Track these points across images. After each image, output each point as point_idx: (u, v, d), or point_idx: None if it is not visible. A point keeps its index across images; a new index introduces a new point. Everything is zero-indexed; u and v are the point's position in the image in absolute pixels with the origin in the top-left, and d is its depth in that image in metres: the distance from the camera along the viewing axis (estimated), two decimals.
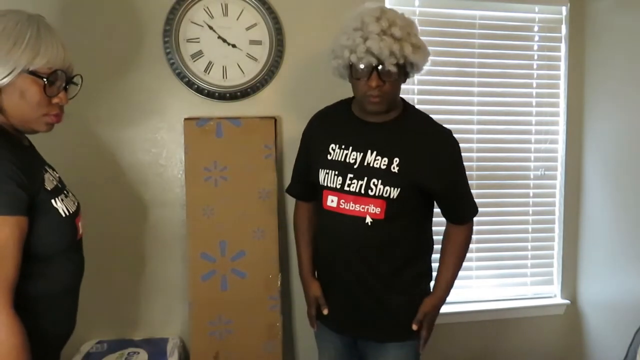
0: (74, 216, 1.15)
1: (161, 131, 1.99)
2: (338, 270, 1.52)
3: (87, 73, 1.90)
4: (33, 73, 1.04)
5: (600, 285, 2.31)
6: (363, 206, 1.43)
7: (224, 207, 1.95)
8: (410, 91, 2.22)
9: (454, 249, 1.59)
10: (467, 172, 2.34)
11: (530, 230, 2.40)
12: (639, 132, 2.08)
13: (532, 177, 2.38)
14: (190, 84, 1.96)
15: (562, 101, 2.37)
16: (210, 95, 1.98)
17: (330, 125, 1.57)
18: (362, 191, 1.42)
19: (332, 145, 1.49)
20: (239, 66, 1.99)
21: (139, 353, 1.86)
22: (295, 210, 1.74)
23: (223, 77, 1.99)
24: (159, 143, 2.00)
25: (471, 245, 2.31)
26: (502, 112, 2.33)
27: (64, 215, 1.10)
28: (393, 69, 1.34)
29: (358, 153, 1.45)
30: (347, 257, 1.48)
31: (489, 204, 2.35)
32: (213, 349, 1.94)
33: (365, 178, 1.43)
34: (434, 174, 1.45)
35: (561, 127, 2.38)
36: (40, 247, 1.05)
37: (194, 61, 1.96)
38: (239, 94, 2.01)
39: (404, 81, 1.46)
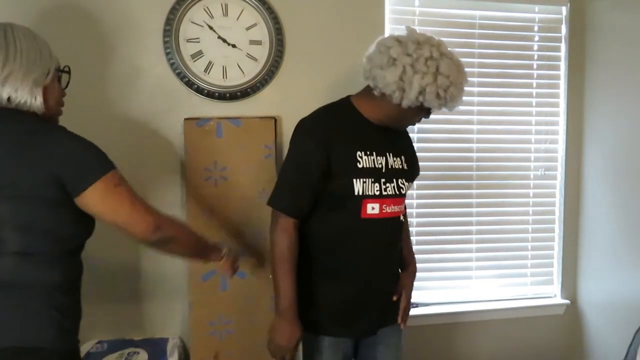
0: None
1: (161, 131, 1.99)
2: (371, 273, 1.51)
3: (87, 73, 1.92)
4: (57, 71, 1.24)
5: (600, 285, 2.31)
6: (399, 206, 1.54)
7: (224, 207, 1.95)
8: None
9: (408, 227, 1.79)
10: (467, 172, 2.37)
11: (530, 230, 2.40)
12: (639, 132, 2.08)
13: (532, 177, 2.38)
14: (190, 84, 1.96)
15: (562, 101, 2.37)
16: (210, 95, 1.98)
17: (346, 132, 1.48)
18: (397, 192, 1.51)
19: (359, 153, 1.46)
20: (239, 66, 1.99)
21: (139, 353, 1.86)
22: (282, 234, 1.45)
23: (223, 77, 1.99)
24: (159, 143, 1.99)
25: (471, 245, 2.34)
26: (502, 112, 2.33)
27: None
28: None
29: (381, 157, 1.49)
30: (383, 256, 1.54)
31: (489, 204, 2.35)
32: (213, 349, 1.94)
33: (394, 180, 1.50)
34: (415, 161, 1.66)
35: (561, 127, 2.38)
36: (91, 229, 1.25)
37: (194, 61, 1.96)
38: (239, 94, 2.01)
39: None
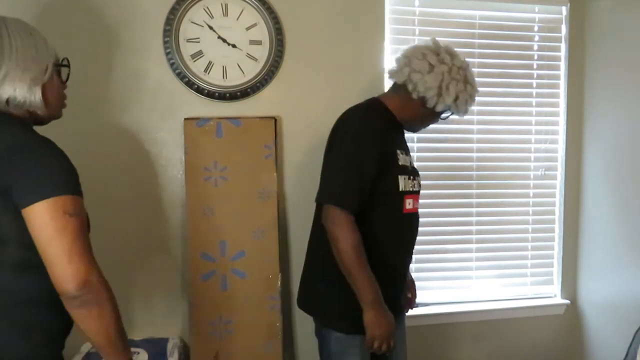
0: (88, 216, 1.21)
1: (161, 131, 1.99)
2: (404, 267, 1.66)
3: (87, 73, 1.92)
4: (56, 66, 1.18)
5: (600, 285, 2.31)
6: (417, 202, 1.63)
7: (224, 207, 1.95)
8: None
9: None
10: (467, 172, 2.37)
11: (530, 230, 2.40)
12: (639, 132, 2.08)
13: (532, 177, 2.38)
14: (190, 84, 1.96)
15: (562, 101, 2.37)
16: (210, 95, 1.98)
17: (388, 130, 1.57)
18: (418, 189, 1.62)
19: (398, 151, 1.57)
20: (239, 66, 1.99)
21: (139, 353, 1.86)
22: (350, 229, 1.44)
23: (223, 77, 1.99)
24: (159, 143, 1.99)
25: (471, 245, 2.34)
26: (502, 112, 2.33)
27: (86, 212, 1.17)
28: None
29: (407, 156, 1.62)
30: (411, 251, 1.66)
31: (489, 204, 2.35)
32: (213, 349, 1.94)
33: (416, 178, 1.62)
34: None
35: (561, 127, 2.38)
36: None
37: (194, 61, 1.96)
38: (239, 94, 2.01)
39: None
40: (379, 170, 1.47)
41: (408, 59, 1.56)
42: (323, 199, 1.50)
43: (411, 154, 1.70)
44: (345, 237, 1.43)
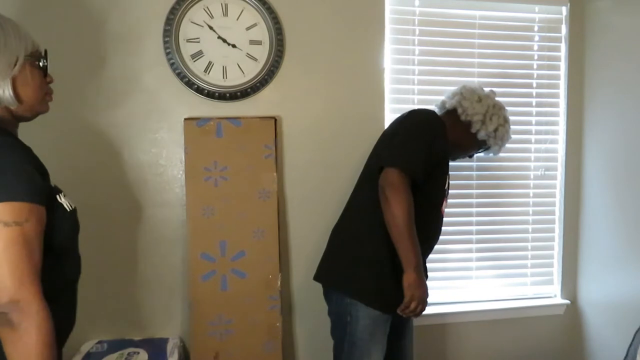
0: (75, 211, 1.17)
1: (161, 131, 1.99)
2: (424, 257, 1.73)
3: (87, 73, 1.92)
4: (30, 57, 1.10)
5: (600, 285, 2.31)
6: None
7: (224, 207, 1.95)
8: (410, 91, 2.22)
9: None
10: (467, 172, 2.38)
11: (530, 230, 2.40)
12: (639, 131, 2.08)
13: (532, 177, 2.38)
14: (190, 84, 1.96)
15: (562, 101, 2.37)
16: (210, 95, 1.98)
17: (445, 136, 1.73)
18: (445, 203, 1.80)
19: (446, 156, 1.74)
20: (239, 66, 1.99)
21: (139, 353, 1.86)
22: (408, 195, 1.50)
23: (223, 77, 1.99)
24: (159, 143, 1.99)
25: (471, 245, 2.35)
26: None
27: (68, 210, 1.13)
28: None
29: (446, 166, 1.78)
30: (433, 246, 1.80)
31: (489, 204, 2.35)
32: (213, 349, 1.94)
33: (446, 194, 1.80)
34: None
35: (561, 127, 2.38)
36: (48, 240, 1.06)
37: (194, 61, 1.96)
38: (239, 94, 2.01)
39: None
40: (439, 160, 1.64)
41: (460, 91, 1.82)
42: (387, 162, 1.55)
43: None
44: (402, 200, 1.48)
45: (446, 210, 2.28)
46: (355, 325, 1.62)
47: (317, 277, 1.77)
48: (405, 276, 1.51)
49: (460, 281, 2.35)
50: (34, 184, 1.00)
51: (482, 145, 1.85)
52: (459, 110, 1.79)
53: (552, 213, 2.42)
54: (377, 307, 1.61)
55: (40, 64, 1.12)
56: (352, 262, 1.66)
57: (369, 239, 1.63)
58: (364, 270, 1.63)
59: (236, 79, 1.99)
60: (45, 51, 1.15)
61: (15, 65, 1.05)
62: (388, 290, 1.60)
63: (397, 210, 1.48)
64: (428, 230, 1.67)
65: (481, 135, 1.79)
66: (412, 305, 1.52)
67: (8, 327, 0.93)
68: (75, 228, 1.17)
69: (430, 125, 1.63)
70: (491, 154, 1.91)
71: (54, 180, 1.13)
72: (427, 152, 1.56)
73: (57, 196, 1.11)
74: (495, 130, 1.78)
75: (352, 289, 1.64)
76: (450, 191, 2.29)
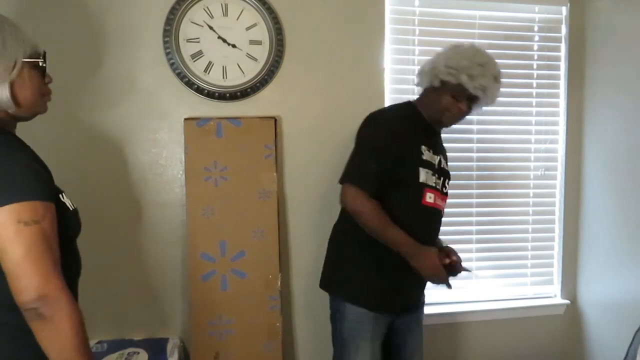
0: (77, 212, 1.18)
1: (161, 131, 1.99)
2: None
3: (86, 73, 1.92)
4: (29, 59, 1.09)
5: (600, 285, 2.31)
6: (444, 203, 1.72)
7: (224, 207, 1.95)
8: (410, 91, 2.21)
9: None
10: (467, 172, 2.37)
11: (530, 230, 2.40)
12: (639, 131, 2.08)
13: (532, 177, 2.38)
14: (190, 84, 1.96)
15: (562, 101, 2.37)
16: (210, 95, 1.98)
17: (413, 127, 1.67)
18: (443, 190, 1.70)
19: (423, 147, 1.64)
20: (239, 66, 1.99)
21: (139, 353, 1.86)
22: (367, 200, 1.56)
23: (223, 77, 1.99)
24: (159, 143, 2.00)
25: (471, 246, 2.34)
26: (502, 112, 2.33)
27: (71, 209, 1.14)
28: (473, 100, 1.64)
29: (436, 156, 1.69)
30: (429, 243, 1.65)
31: (489, 204, 2.35)
32: (213, 349, 1.94)
33: (442, 178, 1.69)
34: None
35: (561, 127, 2.38)
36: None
37: (194, 61, 1.96)
38: (239, 94, 2.00)
39: None
40: (397, 159, 1.58)
41: (423, 68, 1.71)
42: (341, 179, 1.62)
43: None
44: (363, 206, 1.56)
45: (446, 210, 2.29)
46: (342, 322, 1.68)
47: (320, 284, 1.82)
48: (411, 266, 1.58)
49: (460, 281, 2.35)
50: (43, 182, 1.02)
51: (462, 94, 1.63)
52: (430, 80, 1.66)
53: (552, 213, 2.42)
54: (362, 304, 1.64)
55: (40, 64, 1.11)
56: (337, 261, 1.73)
57: (351, 240, 1.68)
58: (347, 270, 1.68)
59: (236, 79, 1.99)
60: (44, 52, 1.14)
61: (13, 69, 1.05)
62: (374, 289, 1.64)
63: (364, 220, 1.57)
64: (413, 228, 1.59)
65: (451, 79, 1.60)
66: (434, 283, 1.61)
67: (41, 321, 0.97)
68: (77, 227, 1.18)
69: (375, 133, 1.63)
70: (485, 104, 1.71)
71: (54, 180, 1.14)
72: (376, 161, 1.58)
73: (60, 195, 1.13)
74: (466, 71, 1.59)
75: (337, 287, 1.72)
76: (450, 191, 2.31)
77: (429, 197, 1.64)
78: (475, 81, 1.58)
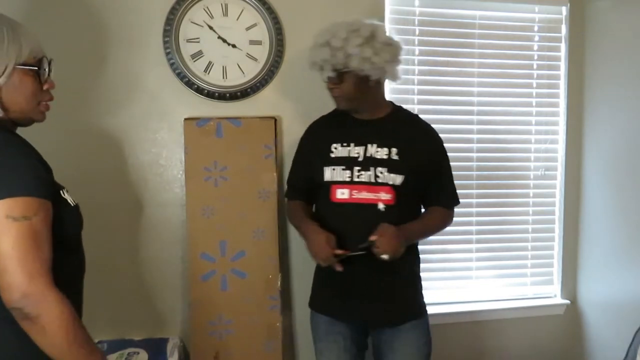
0: (79, 207, 1.18)
1: (161, 131, 1.99)
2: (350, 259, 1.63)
3: (87, 73, 1.92)
4: (23, 65, 1.07)
5: (600, 285, 2.31)
6: (374, 194, 1.58)
7: (224, 207, 1.95)
8: (410, 91, 2.22)
9: (437, 214, 1.71)
10: (467, 172, 2.36)
11: (530, 230, 2.40)
12: (639, 131, 2.08)
13: (532, 177, 2.38)
14: (190, 84, 1.96)
15: (562, 101, 2.37)
16: (210, 95, 1.98)
17: (329, 128, 1.71)
18: (372, 180, 1.58)
19: (334, 145, 1.63)
20: (239, 66, 1.99)
21: (139, 353, 1.86)
22: (289, 206, 1.82)
23: (223, 77, 1.99)
24: (159, 143, 1.99)
25: (471, 246, 2.34)
26: (502, 112, 2.33)
27: (72, 205, 1.14)
28: (332, 74, 1.54)
29: (359, 147, 1.61)
30: (358, 237, 1.54)
31: (489, 204, 2.35)
32: (213, 349, 1.94)
33: (371, 168, 1.59)
34: (428, 158, 1.64)
35: (561, 127, 2.38)
36: (57, 235, 1.06)
37: (194, 61, 1.96)
38: (239, 94, 2.00)
39: (373, 84, 1.57)
40: (310, 166, 1.66)
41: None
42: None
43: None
44: (287, 209, 1.85)
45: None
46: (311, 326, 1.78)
47: None
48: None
49: (460, 281, 2.35)
50: (40, 178, 1.01)
51: (321, 73, 1.60)
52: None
53: (552, 213, 2.42)
54: (310, 306, 1.76)
55: (39, 70, 1.10)
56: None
57: None
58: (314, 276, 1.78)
59: (236, 79, 1.99)
60: (45, 58, 1.12)
61: (3, 73, 1.03)
62: (318, 292, 1.74)
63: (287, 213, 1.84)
64: (330, 226, 1.58)
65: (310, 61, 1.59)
66: (322, 265, 1.57)
67: (27, 322, 0.95)
68: (79, 223, 1.18)
69: (298, 145, 1.79)
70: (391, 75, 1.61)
71: (55, 178, 1.14)
72: (294, 173, 1.80)
73: (61, 192, 1.13)
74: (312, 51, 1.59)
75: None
76: None
77: (341, 194, 1.59)
78: (311, 58, 1.59)
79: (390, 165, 1.58)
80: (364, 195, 1.58)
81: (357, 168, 1.59)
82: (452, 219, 1.75)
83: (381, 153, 1.59)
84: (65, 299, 0.99)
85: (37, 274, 0.95)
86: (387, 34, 1.60)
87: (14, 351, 1.04)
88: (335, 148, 1.63)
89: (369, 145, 1.60)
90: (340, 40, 1.50)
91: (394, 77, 1.62)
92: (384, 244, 1.48)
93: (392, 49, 1.56)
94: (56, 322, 0.96)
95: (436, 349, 2.32)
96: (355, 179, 1.58)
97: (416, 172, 1.59)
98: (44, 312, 0.95)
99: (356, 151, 1.61)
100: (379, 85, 1.62)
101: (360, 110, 1.63)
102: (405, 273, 1.67)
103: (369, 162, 1.59)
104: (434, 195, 1.69)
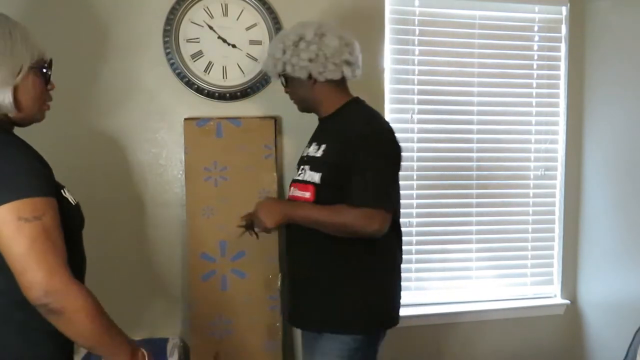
0: (79, 206, 1.19)
1: (161, 131, 1.99)
2: (288, 257, 1.68)
3: (87, 73, 1.92)
4: (34, 66, 1.09)
5: (600, 285, 2.31)
6: (302, 192, 1.57)
7: (224, 207, 1.95)
8: (410, 91, 2.22)
9: (344, 208, 1.44)
10: (467, 172, 2.34)
11: (530, 230, 2.40)
12: (639, 131, 2.08)
13: (532, 177, 2.38)
14: (190, 84, 1.96)
15: (562, 101, 2.37)
16: (210, 95, 1.98)
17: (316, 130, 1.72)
18: (300, 178, 1.59)
19: (306, 148, 1.66)
20: (239, 66, 1.99)
21: None
22: None
23: (223, 77, 1.99)
24: (159, 143, 1.99)
25: (471, 245, 2.34)
26: (502, 112, 2.33)
27: (73, 204, 1.15)
28: (278, 80, 1.66)
29: (309, 146, 1.65)
30: (289, 240, 1.65)
31: (489, 204, 2.35)
32: (213, 349, 1.94)
33: (303, 167, 1.61)
34: (345, 153, 1.47)
35: (561, 127, 2.38)
36: None
37: (194, 61, 1.96)
38: (239, 94, 2.01)
39: (311, 84, 1.56)
40: None
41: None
42: None
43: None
44: None
45: (446, 210, 2.30)
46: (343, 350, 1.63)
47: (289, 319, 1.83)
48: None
49: (460, 281, 2.35)
50: (43, 178, 1.03)
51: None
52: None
53: (552, 213, 2.42)
54: (361, 328, 1.58)
55: (46, 71, 1.12)
56: (313, 294, 1.70)
57: (318, 267, 1.65)
58: (328, 299, 1.61)
59: (236, 79, 1.99)
60: (51, 60, 1.15)
61: (19, 73, 1.06)
62: (363, 308, 1.55)
63: None
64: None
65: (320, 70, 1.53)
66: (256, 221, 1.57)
67: (55, 316, 0.98)
68: (81, 221, 1.19)
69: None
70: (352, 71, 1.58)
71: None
72: None
73: (62, 191, 1.13)
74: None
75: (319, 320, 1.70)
76: (450, 191, 2.32)
77: (292, 191, 1.62)
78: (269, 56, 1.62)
79: (312, 163, 1.56)
80: (296, 193, 1.59)
81: (301, 167, 1.63)
82: (373, 221, 1.42)
83: (314, 151, 1.58)
84: (86, 289, 1.03)
85: (56, 269, 0.97)
86: (329, 33, 1.53)
87: (20, 355, 1.05)
88: (305, 150, 1.67)
89: (313, 144, 1.62)
90: (272, 48, 1.60)
91: (333, 75, 1.53)
92: (256, 216, 1.53)
93: (317, 48, 1.50)
94: (82, 312, 1.01)
95: (436, 349, 2.33)
96: (297, 177, 1.62)
97: (335, 169, 1.49)
98: (68, 305, 0.98)
99: (306, 151, 1.66)
100: (323, 84, 1.55)
101: (314, 111, 1.66)
102: (324, 280, 1.53)
103: (305, 161, 1.62)
104: (348, 191, 1.46)
